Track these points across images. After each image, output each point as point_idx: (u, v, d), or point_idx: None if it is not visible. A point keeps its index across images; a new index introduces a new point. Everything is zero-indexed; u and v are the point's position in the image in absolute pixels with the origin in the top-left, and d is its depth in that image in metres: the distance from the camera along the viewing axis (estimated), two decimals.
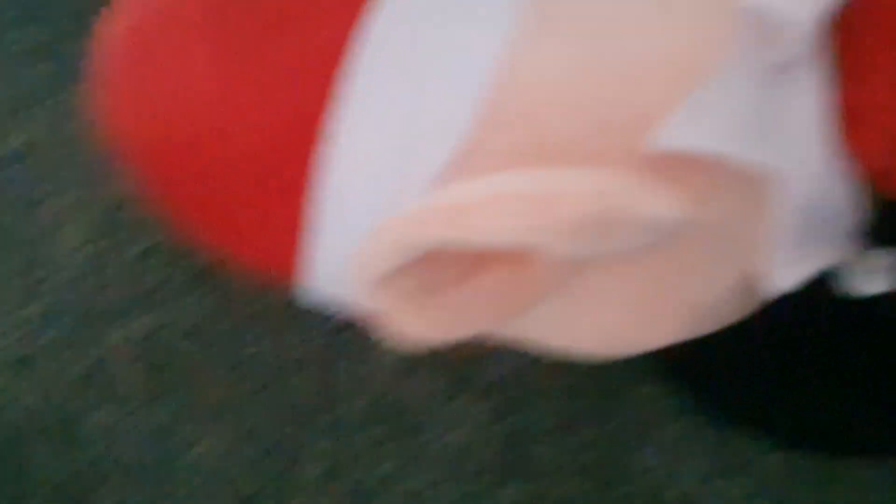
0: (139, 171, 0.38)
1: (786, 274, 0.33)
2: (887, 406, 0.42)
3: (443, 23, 0.33)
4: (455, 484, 0.49)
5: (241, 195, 0.35)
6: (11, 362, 0.50)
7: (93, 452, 0.49)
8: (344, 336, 0.51)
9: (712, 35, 0.33)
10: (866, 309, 0.39)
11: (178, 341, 0.52)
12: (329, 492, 0.50)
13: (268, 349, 0.51)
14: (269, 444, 0.50)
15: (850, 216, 0.35)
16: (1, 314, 0.54)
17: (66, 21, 0.67)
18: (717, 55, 0.32)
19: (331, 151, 0.32)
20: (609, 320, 0.35)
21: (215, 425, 0.51)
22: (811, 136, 0.33)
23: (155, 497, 0.49)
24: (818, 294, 0.37)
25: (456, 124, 0.32)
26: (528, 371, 0.50)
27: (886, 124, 0.32)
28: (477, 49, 0.33)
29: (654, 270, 0.33)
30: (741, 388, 0.45)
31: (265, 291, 0.49)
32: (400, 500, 0.49)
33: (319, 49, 0.33)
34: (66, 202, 0.57)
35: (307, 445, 0.51)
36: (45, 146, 0.58)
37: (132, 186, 0.38)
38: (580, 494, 0.49)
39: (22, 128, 0.58)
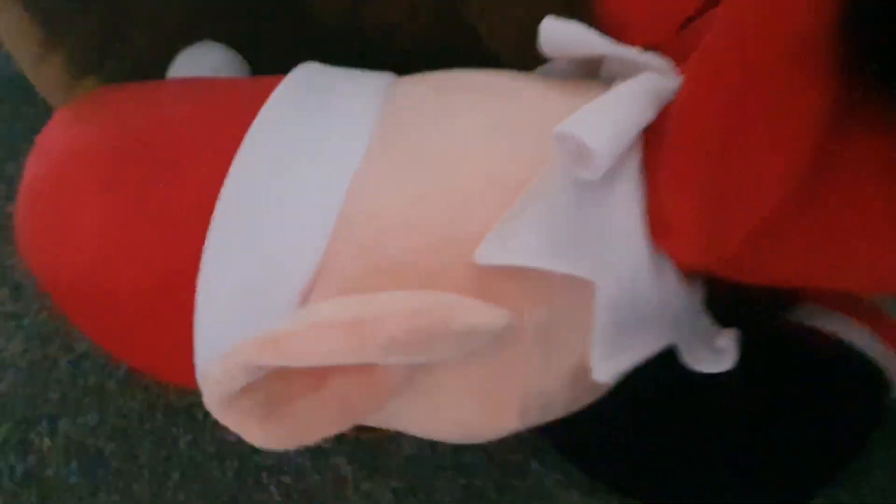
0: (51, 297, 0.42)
1: (606, 366, 0.37)
2: (741, 475, 0.46)
3: (299, 162, 0.38)
4: None
5: (130, 322, 0.39)
6: None
7: None
8: None
9: (536, 157, 0.38)
10: (713, 384, 0.43)
11: (107, 442, 0.56)
12: None
13: (190, 444, 0.55)
14: None
15: (672, 309, 0.39)
16: None
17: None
18: (538, 175, 0.37)
19: (203, 283, 0.37)
20: (462, 411, 0.39)
21: None
22: (628, 242, 0.37)
23: None
24: (672, 370, 0.41)
25: (310, 253, 0.36)
26: (428, 452, 0.54)
27: (688, 230, 0.37)
28: (329, 183, 0.37)
29: (496, 366, 0.37)
30: (615, 459, 0.49)
31: (185, 391, 0.53)
32: None
33: (194, 193, 0.38)
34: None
35: None
36: None
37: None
38: None
39: None
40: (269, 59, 0.57)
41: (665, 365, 0.40)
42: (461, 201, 0.36)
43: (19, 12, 0.51)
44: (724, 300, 0.43)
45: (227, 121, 0.41)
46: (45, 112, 0.50)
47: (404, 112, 0.40)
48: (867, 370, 0.46)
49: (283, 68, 0.56)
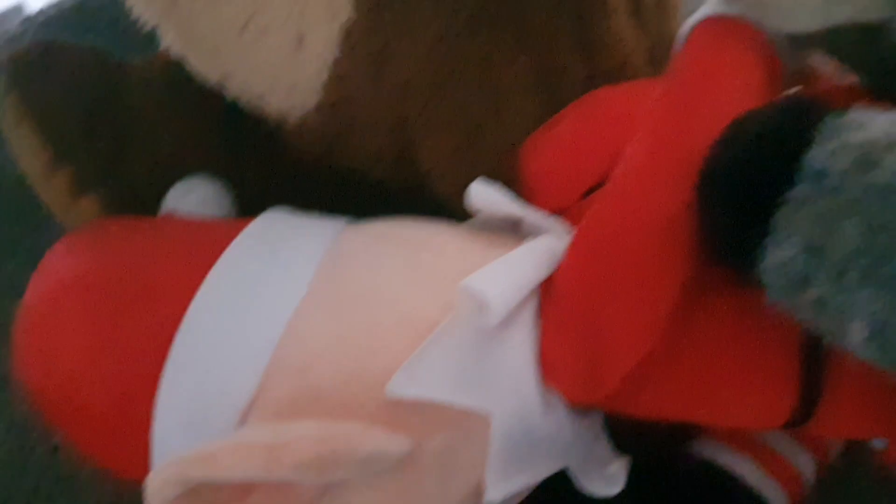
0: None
1: (499, 488, 0.43)
2: None
3: (248, 302, 0.45)
4: None
5: (99, 436, 0.46)
6: None
7: None
8: None
9: (448, 303, 0.45)
10: None
11: None
12: None
13: None
14: None
15: (564, 437, 0.45)
16: None
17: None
18: (445, 320, 0.44)
19: (159, 405, 0.44)
20: None
21: None
22: (522, 380, 0.44)
23: None
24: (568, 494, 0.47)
25: (249, 381, 0.43)
26: None
27: (569, 371, 0.43)
28: (270, 321, 0.44)
29: (398, 487, 0.43)
30: None
31: None
32: None
33: (158, 325, 0.45)
34: None
35: None
36: None
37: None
38: None
39: None
40: (253, 191, 0.64)
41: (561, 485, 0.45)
42: (378, 340, 0.43)
43: (29, 131, 0.58)
44: (625, 429, 0.49)
45: (196, 260, 0.48)
46: (47, 216, 0.57)
47: (344, 259, 0.47)
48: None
49: (265, 199, 0.64)
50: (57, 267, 0.50)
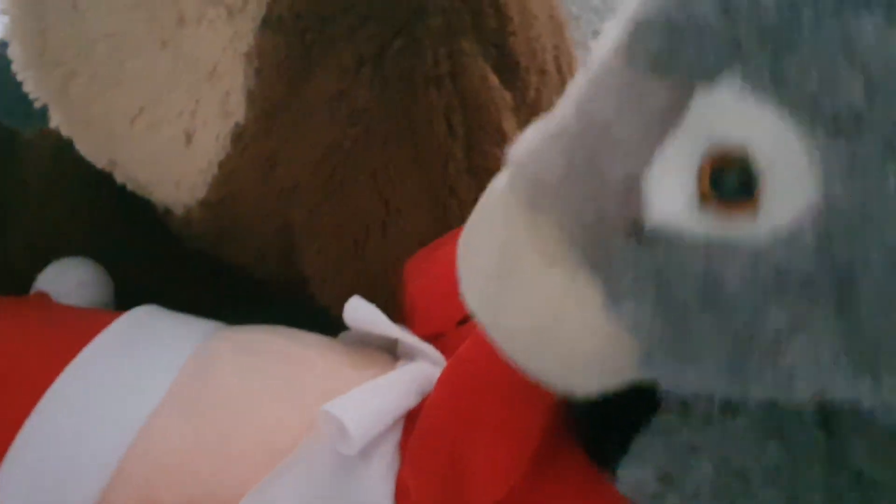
0: None
1: None
2: None
3: (99, 405, 0.44)
4: None
5: None
6: None
7: None
8: None
9: (309, 421, 0.44)
10: None
11: None
12: None
13: None
14: None
15: None
16: None
17: None
18: (301, 444, 0.43)
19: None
20: None
21: None
22: None
23: None
24: None
25: (88, 492, 0.41)
26: None
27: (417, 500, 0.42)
28: (119, 430, 0.43)
29: None
30: None
31: None
32: None
33: (3, 413, 0.43)
34: None
35: None
36: None
37: None
38: None
39: None
40: (136, 278, 0.63)
41: None
42: (228, 460, 0.42)
43: None
44: None
45: (55, 353, 0.46)
46: None
47: (207, 367, 0.46)
48: None
49: (148, 287, 0.62)
50: None
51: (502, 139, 0.55)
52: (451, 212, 0.55)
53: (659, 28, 0.29)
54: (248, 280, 0.64)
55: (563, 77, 0.61)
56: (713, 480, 0.35)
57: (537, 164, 0.32)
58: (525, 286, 0.33)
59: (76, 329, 0.48)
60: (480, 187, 0.56)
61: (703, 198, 0.30)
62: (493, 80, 0.55)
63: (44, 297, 0.55)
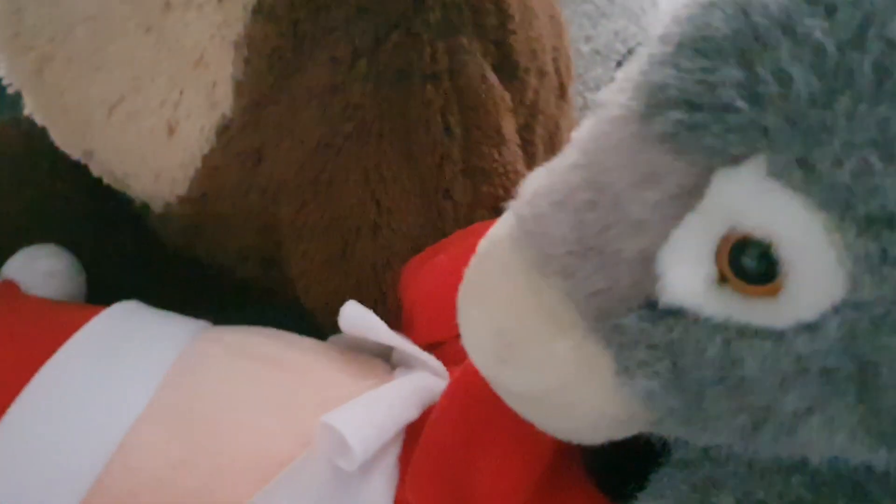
0: None
1: None
2: None
3: (77, 412, 0.40)
4: None
5: None
6: None
7: None
8: None
9: (304, 436, 0.41)
10: None
11: None
12: None
13: None
14: None
15: None
16: None
17: None
18: (299, 458, 0.40)
19: None
20: None
21: None
22: None
23: None
24: None
25: (66, 498, 0.38)
26: None
27: None
28: (100, 438, 0.40)
29: None
30: None
31: None
32: None
33: None
34: None
35: None
36: None
37: None
38: None
39: None
40: (111, 271, 0.60)
41: None
42: (219, 472, 0.39)
43: None
44: None
45: (30, 351, 0.43)
46: None
47: (195, 371, 0.43)
48: None
49: (122, 281, 0.59)
50: None
51: (501, 140, 0.53)
52: (445, 214, 0.53)
53: (680, 103, 0.28)
54: (227, 281, 0.61)
55: (561, 80, 0.59)
56: None
57: (544, 231, 0.31)
58: (532, 352, 0.32)
59: (50, 325, 0.45)
60: (476, 190, 0.54)
61: (722, 278, 0.29)
62: (493, 78, 0.53)
63: (11, 286, 0.51)
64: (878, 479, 0.33)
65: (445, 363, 0.45)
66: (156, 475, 0.39)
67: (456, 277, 0.47)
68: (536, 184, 0.33)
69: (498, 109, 0.54)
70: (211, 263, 0.60)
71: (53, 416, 0.40)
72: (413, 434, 0.41)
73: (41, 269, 0.54)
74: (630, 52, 0.35)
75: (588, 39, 0.70)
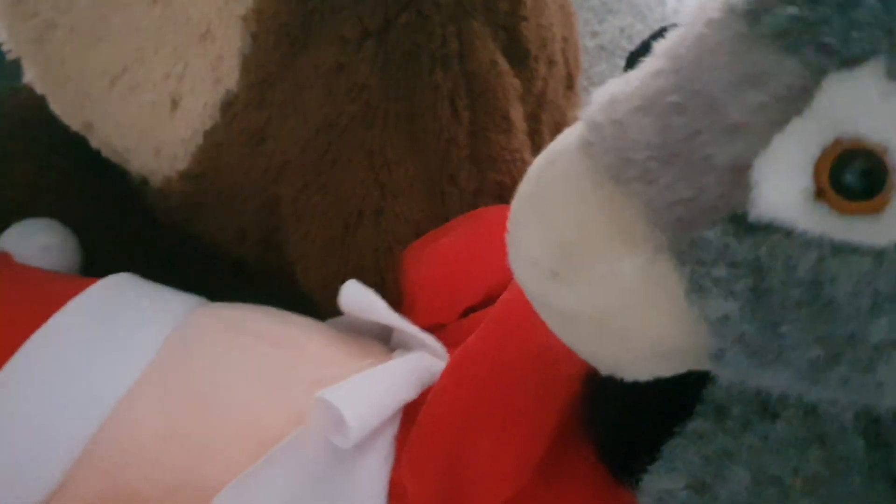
0: None
1: None
2: None
3: (68, 380, 0.39)
4: None
5: None
6: None
7: None
8: None
9: (298, 413, 0.40)
10: None
11: None
12: None
13: None
14: None
15: None
16: None
17: None
18: (293, 433, 0.39)
19: None
20: None
21: None
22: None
23: None
24: None
25: (52, 471, 0.37)
26: None
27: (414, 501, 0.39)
28: (89, 407, 0.39)
29: None
30: None
31: None
32: None
33: None
34: None
35: None
36: None
37: None
38: None
39: None
40: (106, 247, 0.59)
41: None
42: (210, 445, 0.38)
43: None
44: None
45: (22, 316, 0.42)
46: None
47: (190, 345, 0.42)
48: None
49: (118, 257, 0.58)
50: None
51: (509, 127, 0.52)
52: (449, 201, 0.52)
53: None
54: (223, 261, 0.60)
55: (569, 71, 0.58)
56: (749, 489, 0.32)
57: (624, 135, 0.29)
58: (595, 267, 0.29)
59: (45, 293, 0.44)
60: (482, 177, 0.53)
61: (820, 193, 0.27)
62: (503, 64, 0.52)
63: (6, 256, 0.50)
64: None
65: (446, 345, 0.44)
66: (145, 446, 0.38)
67: (457, 263, 0.46)
68: (611, 91, 0.30)
69: (507, 96, 0.53)
70: (208, 242, 0.59)
71: (43, 383, 0.39)
72: (411, 414, 0.40)
73: (37, 243, 0.54)
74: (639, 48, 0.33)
75: (594, 35, 0.69)
